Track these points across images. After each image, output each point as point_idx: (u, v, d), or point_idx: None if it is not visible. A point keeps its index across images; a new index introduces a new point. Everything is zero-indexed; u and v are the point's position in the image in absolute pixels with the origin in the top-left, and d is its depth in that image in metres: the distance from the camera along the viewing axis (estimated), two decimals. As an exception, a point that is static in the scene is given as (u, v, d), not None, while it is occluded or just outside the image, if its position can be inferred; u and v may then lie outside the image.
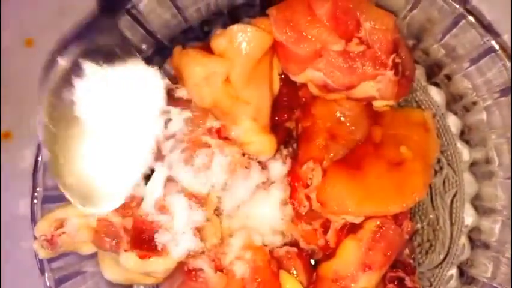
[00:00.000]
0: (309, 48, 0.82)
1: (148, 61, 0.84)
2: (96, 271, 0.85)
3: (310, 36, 0.82)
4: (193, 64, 0.81)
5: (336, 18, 0.82)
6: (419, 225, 0.90)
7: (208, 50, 0.83)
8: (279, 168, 0.89)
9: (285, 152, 0.91)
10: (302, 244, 0.89)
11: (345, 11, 0.82)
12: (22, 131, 0.98)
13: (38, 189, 0.81)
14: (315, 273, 0.85)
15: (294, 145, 0.92)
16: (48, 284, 0.81)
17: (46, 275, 0.81)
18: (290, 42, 0.82)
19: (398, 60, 0.82)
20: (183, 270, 0.81)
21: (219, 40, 0.82)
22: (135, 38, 0.91)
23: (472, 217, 0.87)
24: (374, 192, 0.81)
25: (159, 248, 0.76)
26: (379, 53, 0.81)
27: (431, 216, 0.92)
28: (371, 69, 0.82)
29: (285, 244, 0.89)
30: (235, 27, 0.81)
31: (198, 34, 0.99)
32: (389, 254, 0.80)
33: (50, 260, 0.81)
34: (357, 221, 0.83)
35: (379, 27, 0.82)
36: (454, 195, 0.89)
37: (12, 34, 0.97)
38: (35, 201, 0.81)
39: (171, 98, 0.83)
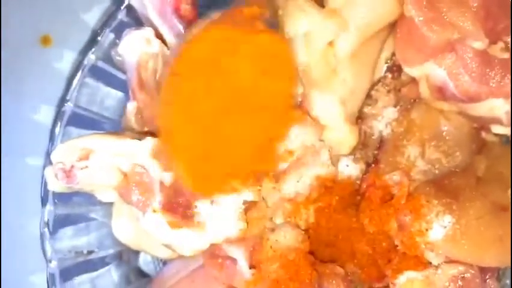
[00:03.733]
0: (442, 35, 0.66)
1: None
2: (104, 223, 0.70)
3: (449, 21, 0.65)
4: (299, 14, 0.65)
5: (487, 10, 0.65)
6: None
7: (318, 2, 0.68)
8: (350, 168, 0.73)
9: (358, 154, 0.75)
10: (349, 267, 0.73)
11: (502, 4, 0.65)
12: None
13: (68, 102, 0.65)
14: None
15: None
16: (46, 218, 0.65)
17: (47, 207, 0.66)
18: (423, 20, 0.66)
19: (546, 83, 0.65)
20: (208, 252, 0.65)
21: (337, -6, 0.66)
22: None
23: None
24: (471, 234, 0.64)
25: (195, 220, 0.60)
26: (526, 69, 0.65)
27: (507, 281, 0.75)
28: (509, 85, 0.65)
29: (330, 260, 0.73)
30: (362, -16, 0.65)
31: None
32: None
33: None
34: (436, 260, 0.66)
35: (535, 37, 0.65)
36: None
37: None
38: (59, 122, 0.65)
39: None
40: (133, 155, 0.58)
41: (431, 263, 0.67)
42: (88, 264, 0.69)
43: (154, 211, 0.58)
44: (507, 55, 0.65)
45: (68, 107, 0.66)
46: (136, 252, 0.75)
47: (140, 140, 0.59)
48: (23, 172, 0.74)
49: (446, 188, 0.69)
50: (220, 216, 0.60)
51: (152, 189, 0.58)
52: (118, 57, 0.65)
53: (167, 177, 0.58)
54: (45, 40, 0.80)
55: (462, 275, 0.66)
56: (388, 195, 0.69)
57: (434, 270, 0.67)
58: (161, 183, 0.59)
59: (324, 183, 0.71)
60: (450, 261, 0.66)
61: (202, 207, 0.60)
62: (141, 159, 0.58)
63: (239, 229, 0.61)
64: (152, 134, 0.66)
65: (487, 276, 0.67)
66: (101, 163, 0.58)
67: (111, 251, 0.71)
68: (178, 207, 0.59)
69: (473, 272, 0.66)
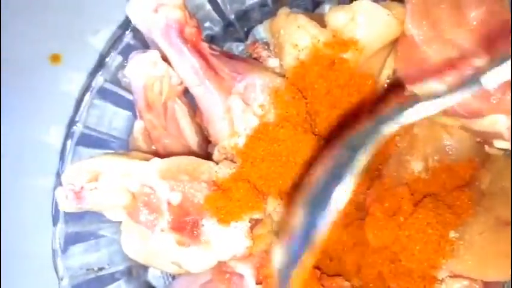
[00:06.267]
0: (443, 54, 0.67)
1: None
2: (113, 239, 0.71)
3: (449, 39, 0.66)
4: (301, 33, 0.67)
5: (487, 27, 0.66)
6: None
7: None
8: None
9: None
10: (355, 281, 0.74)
11: (502, 21, 0.66)
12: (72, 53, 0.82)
13: (77, 124, 0.67)
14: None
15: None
16: (57, 237, 0.67)
17: (58, 226, 0.67)
18: (423, 40, 0.67)
19: (547, 100, 0.66)
20: (216, 268, 0.66)
21: (338, 14, 0.68)
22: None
23: None
24: (475, 250, 0.65)
25: (202, 238, 0.61)
26: (527, 86, 0.66)
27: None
28: (510, 102, 0.66)
29: (336, 274, 0.74)
30: (364, 3, 0.66)
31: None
32: (465, 325, 0.65)
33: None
34: (440, 275, 0.67)
35: (537, 54, 0.66)
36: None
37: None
38: (69, 142, 0.66)
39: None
40: (140, 176, 0.60)
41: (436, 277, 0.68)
42: (98, 281, 0.70)
43: (162, 230, 0.60)
44: (507, 72, 0.66)
45: (78, 128, 0.67)
46: (145, 267, 0.75)
47: (147, 160, 0.60)
48: (34, 192, 0.76)
49: (448, 202, 0.70)
50: (227, 235, 0.61)
51: (160, 209, 0.60)
52: (125, 79, 0.67)
53: (175, 197, 0.60)
54: (54, 59, 0.82)
55: (466, 290, 0.67)
56: (392, 210, 0.70)
57: (439, 284, 0.68)
58: (169, 203, 0.60)
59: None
60: (454, 275, 0.67)
61: (209, 226, 0.61)
62: (148, 179, 0.59)
63: (246, 247, 0.62)
64: (159, 153, 0.68)
65: (491, 290, 0.68)
66: (110, 184, 0.59)
67: (121, 267, 0.73)
68: (186, 226, 0.60)
69: (477, 286, 0.67)
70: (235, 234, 0.61)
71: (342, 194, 0.49)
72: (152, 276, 0.78)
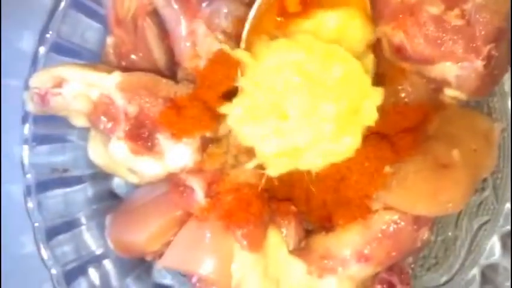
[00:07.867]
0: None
1: None
2: (79, 145, 0.76)
3: (409, -15, 0.69)
4: None
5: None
6: (432, 238, 0.80)
7: None
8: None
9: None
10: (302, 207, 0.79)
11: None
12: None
13: (50, 32, 0.70)
14: (304, 242, 0.76)
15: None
16: (26, 134, 0.72)
17: (27, 125, 0.72)
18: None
19: (494, 53, 0.70)
20: (171, 180, 0.72)
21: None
22: None
23: (495, 254, 0.77)
24: (408, 185, 0.70)
25: (155, 149, 0.66)
26: (477, 36, 0.69)
27: (449, 233, 0.82)
28: (460, 51, 0.70)
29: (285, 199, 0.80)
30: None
31: None
32: (393, 254, 0.71)
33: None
34: (374, 206, 0.73)
35: (491, 7, 0.69)
36: (485, 223, 0.79)
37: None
38: (43, 46, 0.70)
39: None
40: (101, 87, 0.64)
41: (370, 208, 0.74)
42: (63, 181, 0.76)
43: (118, 138, 0.65)
44: (460, 22, 0.69)
45: (51, 35, 0.71)
46: (110, 176, 0.80)
47: (109, 73, 0.65)
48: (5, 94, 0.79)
49: (394, 140, 0.74)
50: (178, 148, 0.66)
51: (118, 119, 0.65)
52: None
53: (131, 109, 0.65)
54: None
55: (396, 222, 0.71)
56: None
57: (373, 214, 0.74)
58: (126, 113, 0.65)
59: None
60: (386, 207, 0.72)
61: (163, 139, 0.66)
62: (108, 90, 0.64)
63: (194, 161, 0.68)
64: (128, 69, 0.72)
65: (420, 224, 0.74)
66: (73, 91, 0.64)
67: (86, 171, 0.78)
68: (141, 137, 0.65)
69: (406, 219, 0.71)
70: (186, 148, 0.66)
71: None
72: (117, 185, 0.83)
